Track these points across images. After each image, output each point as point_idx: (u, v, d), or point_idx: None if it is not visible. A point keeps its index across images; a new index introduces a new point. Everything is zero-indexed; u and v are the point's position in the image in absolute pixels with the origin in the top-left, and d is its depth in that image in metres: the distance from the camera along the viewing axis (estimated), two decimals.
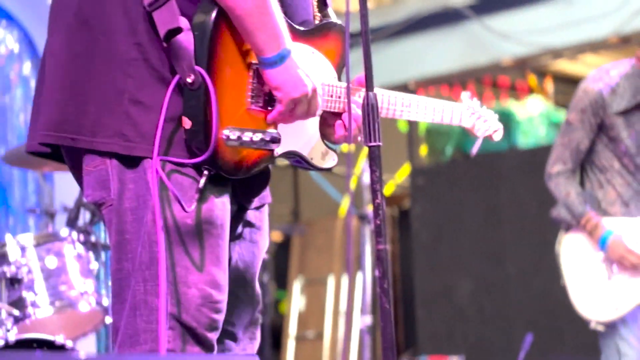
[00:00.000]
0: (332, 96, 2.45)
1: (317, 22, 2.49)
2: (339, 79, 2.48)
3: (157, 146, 2.19)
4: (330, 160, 2.49)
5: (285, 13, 2.35)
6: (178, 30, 2.20)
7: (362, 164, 6.82)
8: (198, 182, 2.24)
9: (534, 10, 7.49)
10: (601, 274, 4.41)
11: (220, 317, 2.28)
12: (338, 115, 2.47)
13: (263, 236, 2.56)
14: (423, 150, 8.97)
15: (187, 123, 2.21)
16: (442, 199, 8.08)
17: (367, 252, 6.30)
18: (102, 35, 2.26)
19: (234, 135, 2.23)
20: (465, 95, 2.81)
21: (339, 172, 9.35)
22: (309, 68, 2.33)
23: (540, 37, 7.47)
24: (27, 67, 6.57)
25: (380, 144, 2.20)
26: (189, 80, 2.18)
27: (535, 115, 8.11)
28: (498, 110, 8.44)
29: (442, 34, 8.11)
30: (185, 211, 2.21)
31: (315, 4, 2.51)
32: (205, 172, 2.24)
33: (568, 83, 9.85)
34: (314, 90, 2.32)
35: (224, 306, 2.28)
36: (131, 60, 2.24)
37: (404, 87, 9.01)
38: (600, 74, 4.47)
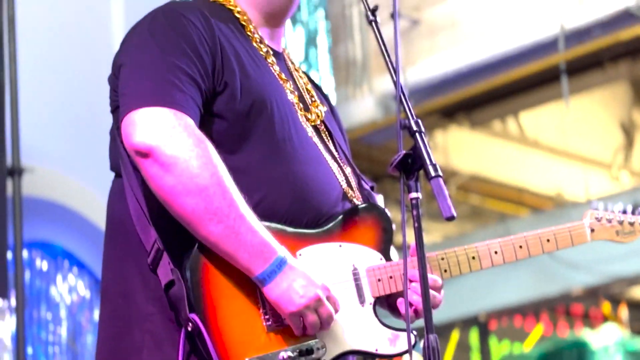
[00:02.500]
0: (380, 280, 2.34)
1: (352, 204, 2.42)
2: (388, 259, 2.37)
3: None
4: (403, 343, 2.32)
5: (309, 207, 2.30)
6: (172, 283, 2.20)
7: None
8: None
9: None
10: None
11: None
12: (395, 295, 2.36)
13: None
14: None
15: None
16: None
17: None
18: (121, 298, 2.30)
19: None
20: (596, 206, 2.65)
21: None
22: (319, 271, 2.26)
23: (611, 265, 7.40)
24: (98, 314, 6.64)
25: None
26: (189, 329, 2.17)
27: (610, 345, 7.94)
28: (572, 341, 8.28)
29: (511, 264, 8.07)
30: None
31: (348, 185, 2.43)
32: None
33: None
34: (317, 299, 2.20)
35: None
36: (148, 315, 2.25)
37: (474, 320, 8.91)
38: None
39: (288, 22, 2.62)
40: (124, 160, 2.29)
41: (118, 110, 2.30)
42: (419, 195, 2.18)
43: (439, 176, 2.14)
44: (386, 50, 2.26)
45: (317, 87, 2.60)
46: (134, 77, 2.23)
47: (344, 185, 2.43)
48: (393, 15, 2.28)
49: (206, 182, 2.14)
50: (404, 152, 2.17)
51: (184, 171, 2.13)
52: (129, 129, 2.16)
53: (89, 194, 5.73)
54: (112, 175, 2.41)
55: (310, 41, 7.82)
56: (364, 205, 2.42)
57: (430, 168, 2.14)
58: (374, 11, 2.31)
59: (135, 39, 2.31)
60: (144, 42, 2.28)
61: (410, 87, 7.47)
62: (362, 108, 7.89)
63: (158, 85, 2.19)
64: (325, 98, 2.60)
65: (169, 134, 2.14)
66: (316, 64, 7.83)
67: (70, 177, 5.73)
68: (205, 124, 2.24)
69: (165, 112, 2.16)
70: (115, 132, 2.33)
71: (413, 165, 2.17)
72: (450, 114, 8.26)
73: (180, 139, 2.14)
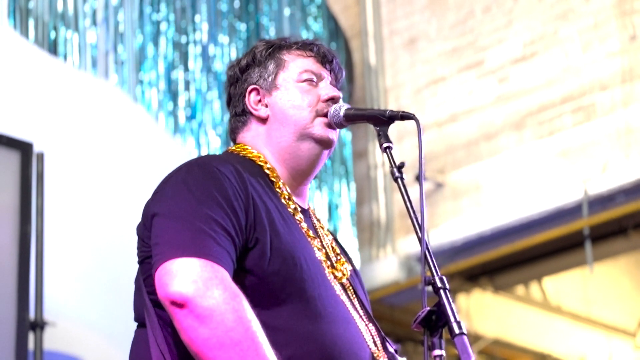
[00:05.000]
0: None
1: None
2: None
3: None
4: None
5: None
6: None
7: None
8: None
9: None
10: None
11: None
12: None
13: None
14: None
15: None
16: None
17: None
18: None
19: None
20: None
21: None
22: None
23: None
24: None
25: None
26: None
27: None
28: None
29: None
30: None
31: (375, 345, 2.42)
32: None
33: None
34: None
35: None
36: None
37: None
38: None
39: (312, 181, 2.66)
40: (149, 311, 2.29)
41: (146, 260, 2.30)
42: (443, 352, 2.16)
43: (463, 334, 2.12)
44: (411, 206, 2.28)
45: (341, 246, 2.62)
46: (169, 226, 2.24)
47: (371, 345, 2.41)
48: (417, 178, 2.31)
49: (240, 337, 2.12)
50: (428, 308, 2.16)
51: (219, 324, 2.12)
52: (164, 278, 2.17)
53: (109, 350, 5.71)
54: (133, 331, 2.40)
55: (334, 201, 7.88)
56: None
57: (455, 325, 2.12)
58: (400, 168, 2.34)
59: (170, 189, 2.33)
60: (179, 192, 2.30)
61: (433, 249, 7.37)
62: (385, 269, 7.89)
63: (194, 237, 2.20)
64: (348, 257, 2.61)
65: (205, 286, 2.14)
66: (339, 224, 7.87)
67: (91, 333, 5.72)
68: (236, 279, 2.23)
69: (202, 263, 2.17)
70: (141, 283, 2.33)
71: (437, 322, 2.15)
72: (474, 277, 8.23)
73: (217, 292, 2.14)
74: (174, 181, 2.35)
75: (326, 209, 7.79)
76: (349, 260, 2.59)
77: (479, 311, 8.64)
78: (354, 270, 2.59)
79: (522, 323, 9.26)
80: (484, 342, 8.67)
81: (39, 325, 5.00)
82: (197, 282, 2.14)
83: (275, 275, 2.29)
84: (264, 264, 2.28)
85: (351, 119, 2.53)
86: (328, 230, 2.62)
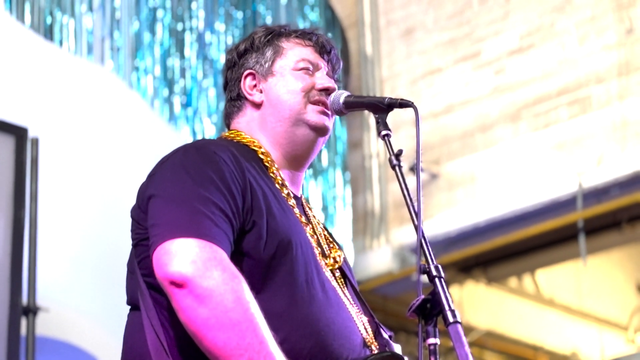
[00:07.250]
0: None
1: (371, 351, 2.38)
2: None
3: None
4: None
5: (330, 352, 2.28)
6: None
7: None
8: None
9: None
10: None
11: None
12: None
13: None
14: None
15: None
16: None
17: None
18: None
19: None
20: None
21: None
22: None
23: None
24: None
25: None
26: None
27: None
28: None
29: None
30: None
31: (366, 332, 2.41)
32: None
33: None
34: None
35: None
36: None
37: None
38: None
39: (307, 170, 2.66)
40: (144, 293, 2.28)
41: (141, 242, 2.30)
42: (437, 341, 2.16)
43: (458, 322, 2.11)
44: (408, 194, 2.27)
45: (332, 236, 2.62)
46: (167, 208, 2.24)
47: (363, 331, 2.41)
48: (412, 168, 2.30)
49: (239, 317, 2.12)
50: (422, 296, 2.15)
51: (218, 305, 2.12)
52: (163, 258, 2.16)
53: (102, 335, 5.71)
54: (126, 316, 2.39)
55: (329, 191, 7.88)
56: (383, 353, 2.40)
57: (449, 314, 2.12)
58: (398, 155, 2.34)
59: (167, 170, 2.33)
60: (176, 174, 2.29)
61: (428, 240, 7.45)
62: (379, 259, 7.89)
63: (192, 218, 2.20)
64: (339, 246, 2.61)
65: (205, 267, 2.14)
66: (334, 214, 7.86)
67: (84, 318, 5.72)
68: (232, 263, 2.22)
69: (201, 244, 2.16)
70: (135, 265, 2.32)
71: (432, 310, 2.15)
72: (467, 269, 8.24)
73: (216, 273, 2.14)
74: (170, 163, 2.34)
75: (320, 198, 7.78)
76: (341, 249, 2.59)
77: (471, 303, 8.65)
78: (345, 260, 2.59)
79: (515, 315, 9.27)
80: (477, 333, 8.69)
81: (31, 311, 4.99)
82: (197, 262, 2.14)
83: (270, 258, 2.29)
84: (260, 247, 2.28)
85: (350, 106, 2.53)
86: (319, 220, 2.62)
